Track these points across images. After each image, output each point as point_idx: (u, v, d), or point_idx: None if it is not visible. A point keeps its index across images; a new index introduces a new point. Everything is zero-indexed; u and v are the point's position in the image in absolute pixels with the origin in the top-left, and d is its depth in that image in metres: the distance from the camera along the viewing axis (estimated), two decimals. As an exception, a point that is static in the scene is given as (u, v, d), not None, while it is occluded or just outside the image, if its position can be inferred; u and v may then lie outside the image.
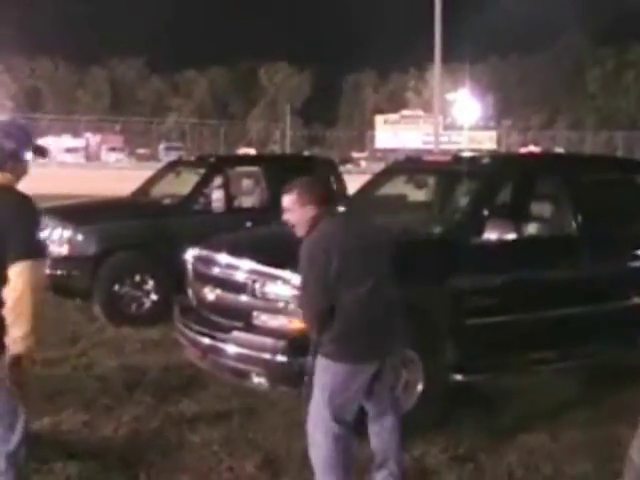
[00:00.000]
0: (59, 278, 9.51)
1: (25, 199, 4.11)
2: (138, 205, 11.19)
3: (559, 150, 61.25)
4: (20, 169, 4.28)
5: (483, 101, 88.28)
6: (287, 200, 4.62)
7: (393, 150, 76.21)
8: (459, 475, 5.37)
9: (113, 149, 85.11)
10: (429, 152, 31.92)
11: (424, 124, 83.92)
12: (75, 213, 10.65)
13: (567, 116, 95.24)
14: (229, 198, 10.52)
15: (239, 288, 6.18)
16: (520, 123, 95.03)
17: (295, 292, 5.32)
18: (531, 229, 7.19)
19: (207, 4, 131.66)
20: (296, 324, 5.52)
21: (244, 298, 6.11)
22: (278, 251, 6.07)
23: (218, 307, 6.50)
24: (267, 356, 5.82)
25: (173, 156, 35.89)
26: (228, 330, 6.18)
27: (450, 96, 77.53)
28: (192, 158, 14.70)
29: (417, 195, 9.46)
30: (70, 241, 9.54)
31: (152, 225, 10.11)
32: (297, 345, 5.42)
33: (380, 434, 4.70)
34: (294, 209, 4.58)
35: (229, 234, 7.57)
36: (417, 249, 6.47)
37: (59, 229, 9.64)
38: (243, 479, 5.27)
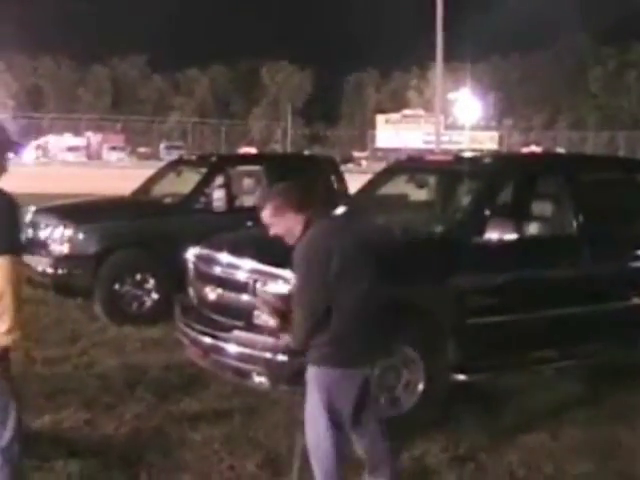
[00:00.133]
0: (60, 277, 9.53)
1: (5, 196, 4.09)
2: (139, 204, 11.18)
3: (560, 150, 61.18)
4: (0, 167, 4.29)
5: (484, 101, 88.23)
6: (265, 216, 4.47)
7: (394, 150, 76.19)
8: (460, 475, 5.37)
9: (114, 148, 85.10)
10: (430, 152, 31.93)
11: (425, 124, 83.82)
12: (76, 212, 10.64)
13: (569, 116, 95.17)
14: (230, 197, 10.51)
15: (240, 287, 6.18)
16: (521, 123, 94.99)
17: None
18: (532, 229, 7.20)
19: (209, 3, 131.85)
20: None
21: (245, 297, 6.12)
22: (279, 250, 6.05)
23: (219, 306, 6.51)
24: (268, 355, 5.82)
25: (174, 155, 35.89)
26: (229, 329, 6.19)
27: (451, 96, 77.46)
28: (193, 157, 14.71)
29: (418, 195, 9.47)
30: (71, 240, 9.53)
31: (153, 224, 10.12)
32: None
33: (364, 437, 4.62)
34: (274, 222, 4.45)
35: (230, 233, 7.57)
36: (418, 249, 6.48)
37: (60, 228, 9.64)
38: (244, 478, 5.27)
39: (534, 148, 63.05)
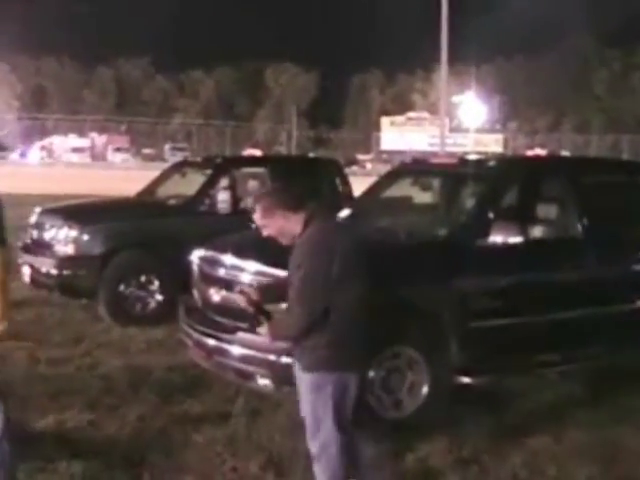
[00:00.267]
0: (65, 278, 9.54)
1: None
2: (144, 205, 11.20)
3: (565, 153, 61.15)
4: None
5: (489, 103, 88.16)
6: (256, 217, 4.48)
7: (399, 152, 76.18)
8: (463, 477, 5.37)
9: (119, 149, 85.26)
10: (435, 154, 31.91)
11: (430, 126, 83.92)
12: (81, 213, 10.65)
13: (573, 118, 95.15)
14: (235, 199, 10.50)
15: (244, 289, 6.17)
16: (526, 125, 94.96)
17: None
18: (537, 232, 7.19)
19: (213, 4, 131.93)
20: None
21: (249, 299, 6.10)
22: (283, 252, 6.07)
23: (223, 308, 6.51)
24: (272, 357, 5.82)
25: (178, 157, 35.93)
26: (233, 331, 6.19)
27: (456, 98, 77.44)
28: (198, 159, 14.71)
29: (423, 197, 9.47)
30: (76, 241, 9.54)
31: (158, 225, 10.13)
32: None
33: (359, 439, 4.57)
34: (265, 223, 4.45)
35: (234, 235, 7.57)
36: (422, 251, 6.48)
37: (65, 229, 9.65)
38: (247, 479, 5.28)
39: (539, 151, 62.89)
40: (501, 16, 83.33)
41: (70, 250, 9.55)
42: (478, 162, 8.34)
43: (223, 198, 10.24)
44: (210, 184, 10.58)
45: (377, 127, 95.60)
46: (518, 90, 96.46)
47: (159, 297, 9.59)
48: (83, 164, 68.70)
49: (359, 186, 9.84)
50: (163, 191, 11.55)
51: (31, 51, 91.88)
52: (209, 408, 6.47)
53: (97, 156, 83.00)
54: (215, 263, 6.73)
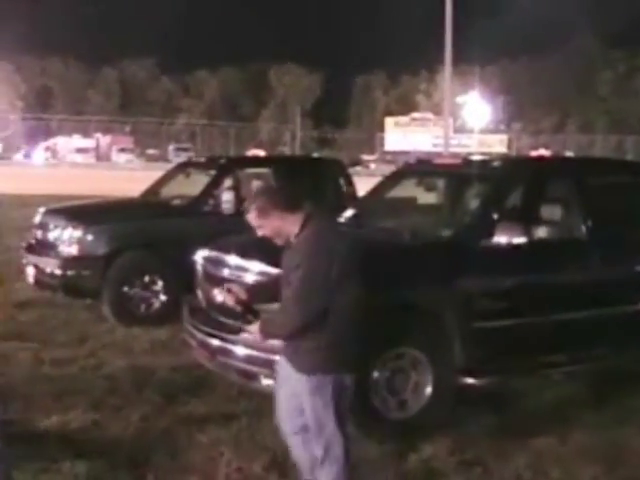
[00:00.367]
0: (69, 278, 9.55)
1: None
2: (148, 206, 11.21)
3: (569, 154, 61.11)
4: None
5: (493, 104, 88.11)
6: (250, 218, 4.48)
7: (403, 152, 76.18)
8: (467, 478, 5.37)
9: (123, 150, 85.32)
10: (439, 155, 31.91)
11: (434, 127, 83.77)
12: (85, 213, 10.66)
13: (577, 119, 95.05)
14: (239, 200, 10.49)
15: (248, 289, 6.17)
16: (530, 126, 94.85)
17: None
18: (541, 232, 7.17)
19: (218, 5, 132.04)
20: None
21: (253, 299, 6.10)
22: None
23: (227, 308, 6.49)
24: (275, 357, 5.81)
25: (183, 157, 35.89)
26: (237, 331, 6.17)
27: (460, 99, 77.42)
28: (202, 159, 14.71)
29: (427, 198, 9.46)
30: (80, 241, 9.55)
31: (162, 226, 10.14)
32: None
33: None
34: (260, 223, 4.46)
35: (238, 236, 7.56)
36: (427, 252, 6.48)
37: (69, 229, 9.67)
38: (251, 480, 5.29)
39: (543, 151, 62.81)
40: (505, 17, 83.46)
41: (74, 250, 9.57)
42: (482, 163, 8.33)
43: (227, 198, 10.23)
44: (214, 184, 10.58)
45: (381, 128, 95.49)
46: (522, 91, 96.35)
47: (163, 297, 9.60)
48: (87, 165, 68.80)
49: (363, 186, 9.84)
50: (167, 191, 11.56)
51: (36, 51, 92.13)
52: (213, 408, 6.47)
53: (101, 156, 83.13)
54: (219, 263, 6.73)
